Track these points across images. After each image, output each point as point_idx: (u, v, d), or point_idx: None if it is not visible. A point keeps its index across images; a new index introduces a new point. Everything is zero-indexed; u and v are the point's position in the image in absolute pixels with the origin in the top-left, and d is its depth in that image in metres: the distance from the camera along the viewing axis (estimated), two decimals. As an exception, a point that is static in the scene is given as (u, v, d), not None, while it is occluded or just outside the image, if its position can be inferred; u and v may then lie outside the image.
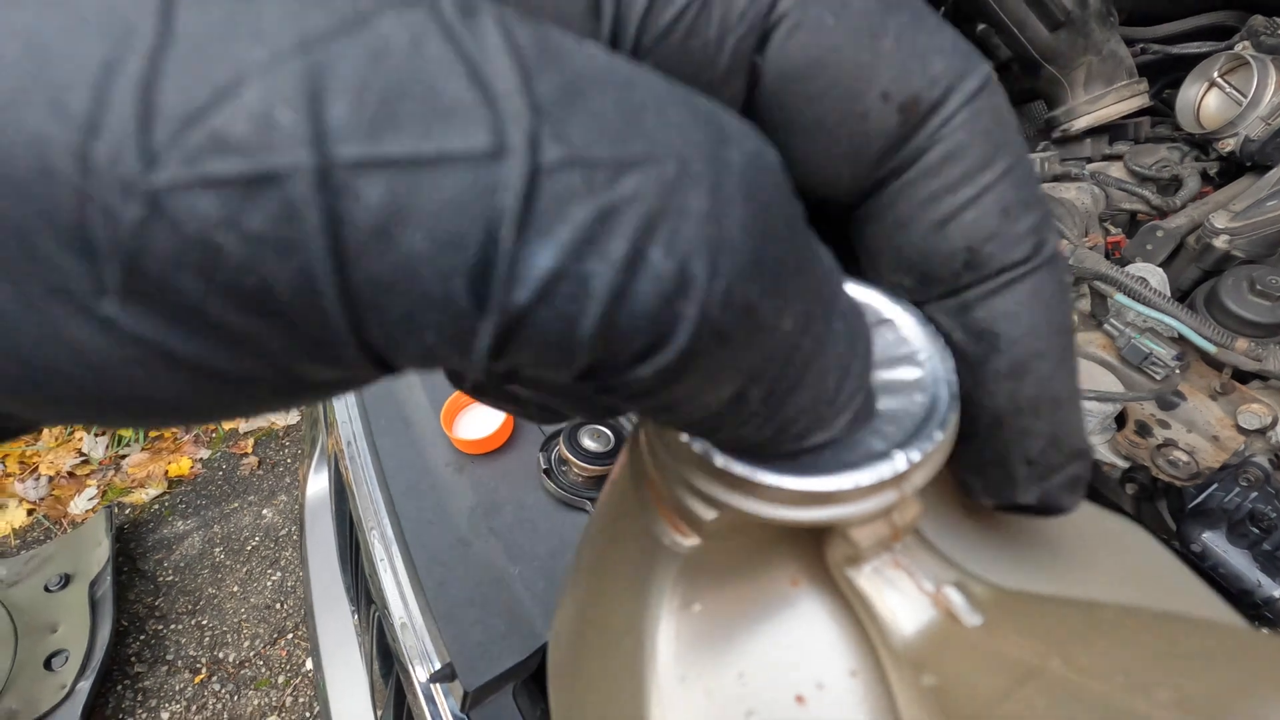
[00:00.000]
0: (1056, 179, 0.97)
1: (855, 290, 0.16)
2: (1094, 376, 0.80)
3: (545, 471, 0.59)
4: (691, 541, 0.15)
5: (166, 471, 2.04)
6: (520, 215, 0.08)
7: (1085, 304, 0.87)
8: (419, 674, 0.55)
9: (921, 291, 0.15)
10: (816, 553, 0.16)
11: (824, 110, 0.13)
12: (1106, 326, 0.82)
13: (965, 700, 0.12)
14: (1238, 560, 0.72)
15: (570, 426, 0.60)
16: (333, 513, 0.96)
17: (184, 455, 2.08)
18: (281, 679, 1.65)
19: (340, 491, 0.83)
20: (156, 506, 1.99)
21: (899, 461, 0.13)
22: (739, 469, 0.13)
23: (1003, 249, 0.14)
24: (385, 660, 0.73)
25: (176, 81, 0.08)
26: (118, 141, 0.08)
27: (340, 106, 0.08)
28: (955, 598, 0.14)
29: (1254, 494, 0.74)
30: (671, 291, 0.09)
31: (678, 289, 0.09)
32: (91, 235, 0.08)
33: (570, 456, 0.58)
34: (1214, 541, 0.73)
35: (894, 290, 0.16)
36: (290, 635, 1.73)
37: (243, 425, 2.17)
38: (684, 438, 0.13)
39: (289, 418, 2.20)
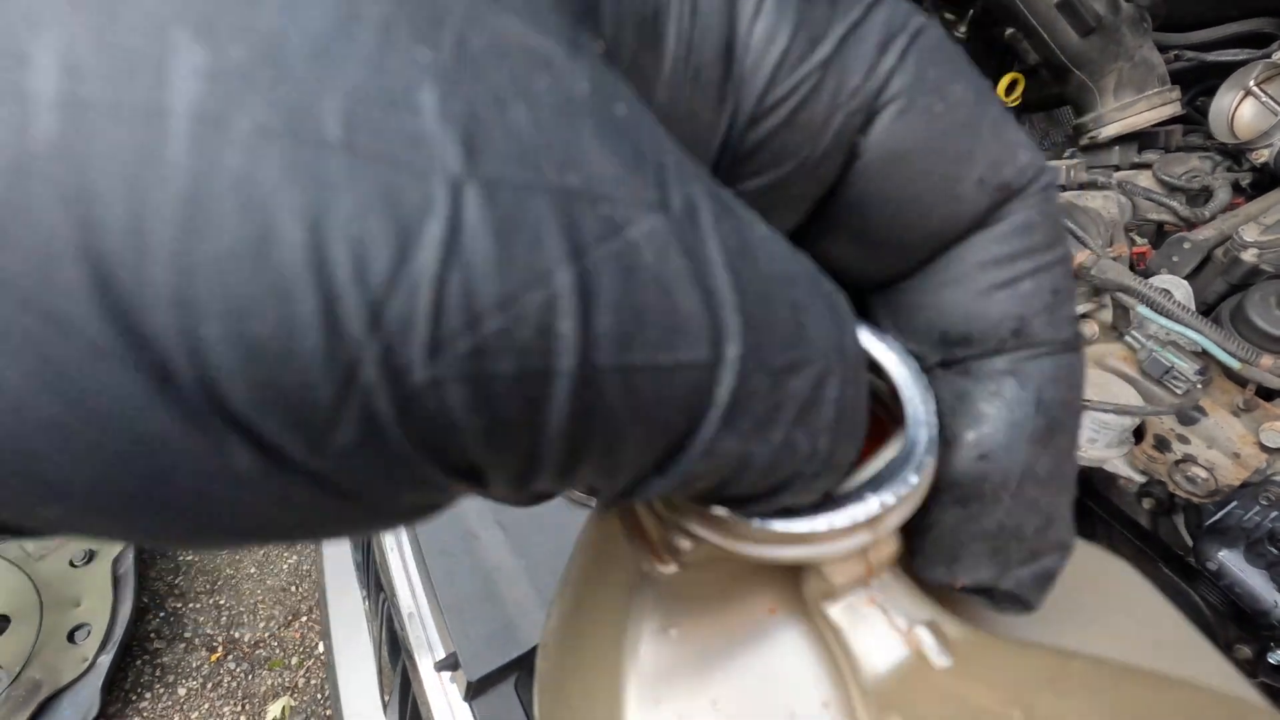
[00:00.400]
0: (1082, 187, 0.95)
1: (872, 345, 0.16)
2: (1113, 389, 0.79)
3: (554, 468, 0.60)
4: (670, 569, 0.15)
5: (189, 453, 2.09)
6: (725, 412, 0.10)
7: (1107, 315, 0.86)
8: (425, 663, 0.56)
9: (955, 352, 0.15)
10: (794, 583, 0.16)
11: (921, 189, 0.14)
12: (1128, 339, 0.81)
13: None
14: (1255, 580, 0.71)
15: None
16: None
17: (206, 438, 2.13)
18: (295, 660, 1.68)
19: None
20: (179, 487, 2.04)
21: (872, 505, 0.13)
22: (718, 510, 0.13)
23: (1052, 326, 0.15)
24: (393, 647, 0.75)
25: (466, 279, 0.08)
26: (403, 324, 0.08)
27: (605, 319, 0.09)
28: (926, 638, 0.14)
29: (1274, 513, 0.73)
30: (802, 464, 0.12)
31: (805, 461, 0.12)
32: (345, 397, 0.08)
33: (579, 454, 0.58)
34: (1231, 560, 0.72)
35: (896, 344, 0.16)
36: (304, 618, 1.76)
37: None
38: None
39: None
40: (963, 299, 0.15)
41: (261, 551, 1.89)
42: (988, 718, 0.12)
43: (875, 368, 0.16)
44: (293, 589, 1.82)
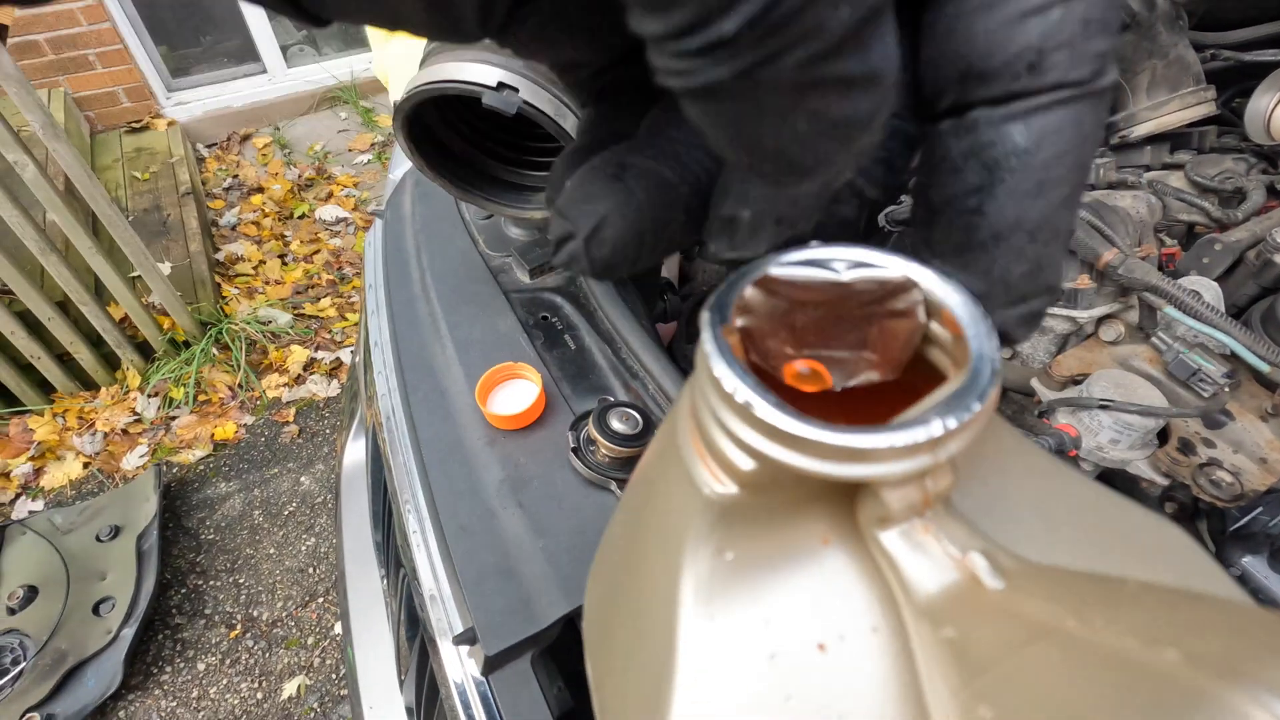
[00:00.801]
0: (1111, 186, 0.94)
1: (912, 270, 0.16)
2: (1137, 391, 0.78)
3: (574, 450, 0.60)
4: (729, 491, 0.15)
5: (213, 435, 2.13)
6: None
7: (1133, 316, 0.85)
8: (442, 638, 0.57)
9: (969, 93, 0.15)
10: (848, 513, 0.16)
11: None
12: (1154, 340, 0.80)
13: (979, 651, 0.13)
14: (1279, 586, 0.70)
15: (600, 408, 0.61)
16: (368, 480, 0.99)
17: (230, 420, 2.16)
18: (311, 640, 1.71)
19: (376, 460, 0.85)
20: (202, 467, 2.07)
21: (935, 427, 0.14)
22: (781, 421, 0.14)
23: (1070, 62, 0.14)
24: (411, 625, 0.76)
25: None
26: None
27: None
28: (980, 562, 0.15)
29: (1301, 520, 0.72)
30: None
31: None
32: None
33: (598, 437, 0.59)
34: (1254, 566, 0.71)
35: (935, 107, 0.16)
36: (320, 599, 1.79)
37: (285, 395, 2.24)
38: (730, 385, 0.14)
39: (329, 389, 2.27)
40: (992, 25, 0.14)
41: (280, 534, 1.92)
42: (1042, 627, 0.13)
43: (938, 309, 0.16)
44: (310, 571, 1.85)
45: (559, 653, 0.58)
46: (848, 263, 0.17)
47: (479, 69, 0.57)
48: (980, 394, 0.14)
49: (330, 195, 3.02)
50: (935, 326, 0.16)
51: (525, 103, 0.57)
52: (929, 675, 0.14)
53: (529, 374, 0.66)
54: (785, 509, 0.17)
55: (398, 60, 0.98)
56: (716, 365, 0.15)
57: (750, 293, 0.17)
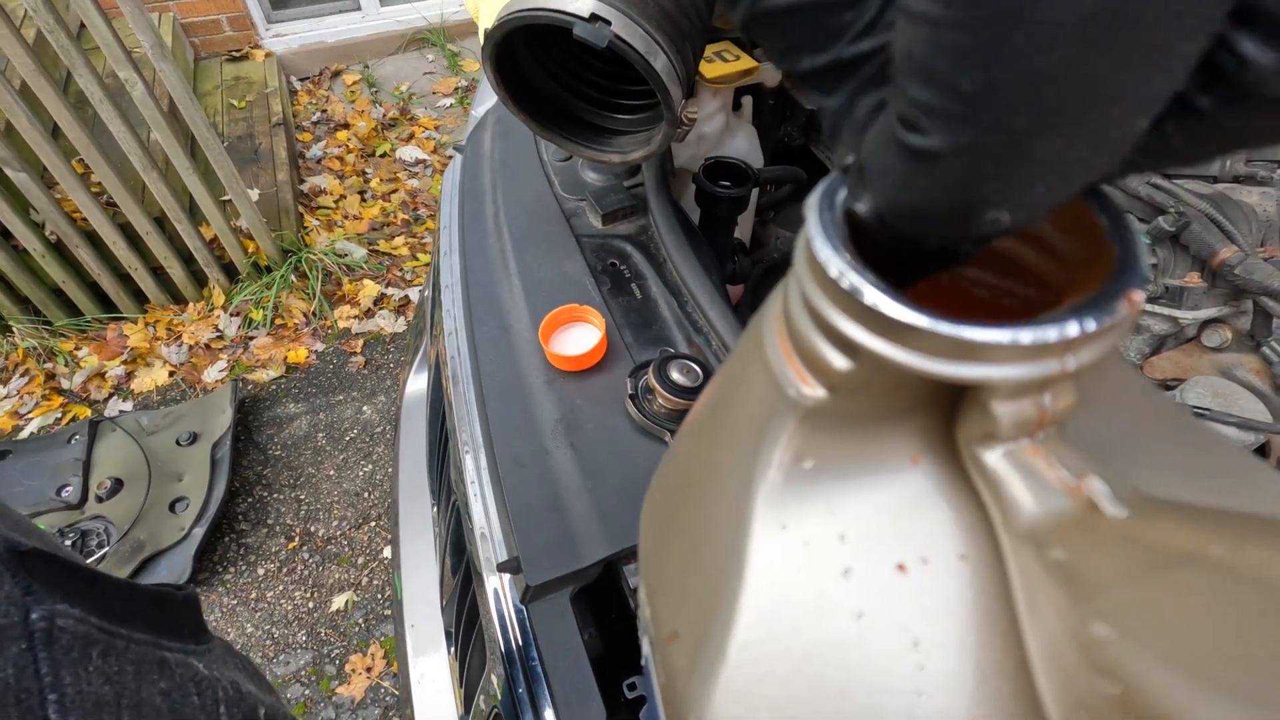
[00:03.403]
0: (1238, 180, 0.86)
1: None
2: (1238, 402, 0.72)
3: (631, 397, 0.60)
4: (817, 394, 0.14)
5: (286, 357, 2.23)
6: None
7: (1245, 322, 0.78)
8: (486, 566, 0.59)
9: None
10: (942, 432, 0.15)
11: None
12: (1265, 349, 0.74)
13: (1095, 573, 0.11)
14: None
15: (661, 358, 0.60)
16: (427, 413, 1.02)
17: (302, 345, 2.26)
18: (361, 560, 1.80)
19: (437, 392, 0.87)
20: (274, 387, 2.18)
21: (1070, 327, 0.12)
22: (890, 307, 0.12)
23: None
24: (457, 553, 0.78)
25: None
26: None
27: None
28: (1099, 487, 0.13)
29: None
30: None
31: None
32: None
33: (657, 386, 0.58)
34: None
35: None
36: (373, 524, 1.88)
37: (355, 327, 2.32)
38: (835, 269, 0.13)
39: (396, 325, 2.34)
40: None
41: (341, 457, 2.02)
42: (1181, 554, 0.11)
43: (1077, 212, 0.14)
44: (365, 495, 1.93)
45: (594, 597, 0.59)
46: None
47: (573, -1, 0.56)
48: (1126, 295, 0.12)
49: (412, 136, 3.07)
50: (1057, 237, 0.14)
51: (617, 37, 0.56)
52: (1030, 599, 0.12)
53: (593, 318, 0.66)
54: (873, 420, 0.15)
55: (490, -5, 0.97)
56: (821, 248, 0.14)
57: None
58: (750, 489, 0.15)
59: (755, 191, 0.99)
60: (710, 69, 0.90)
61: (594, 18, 0.56)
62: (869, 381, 0.13)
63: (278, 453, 2.03)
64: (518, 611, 0.55)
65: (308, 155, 2.92)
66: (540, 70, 0.70)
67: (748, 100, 1.00)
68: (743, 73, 0.92)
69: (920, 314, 0.12)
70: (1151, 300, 0.81)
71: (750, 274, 0.98)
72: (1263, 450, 0.73)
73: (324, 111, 3.17)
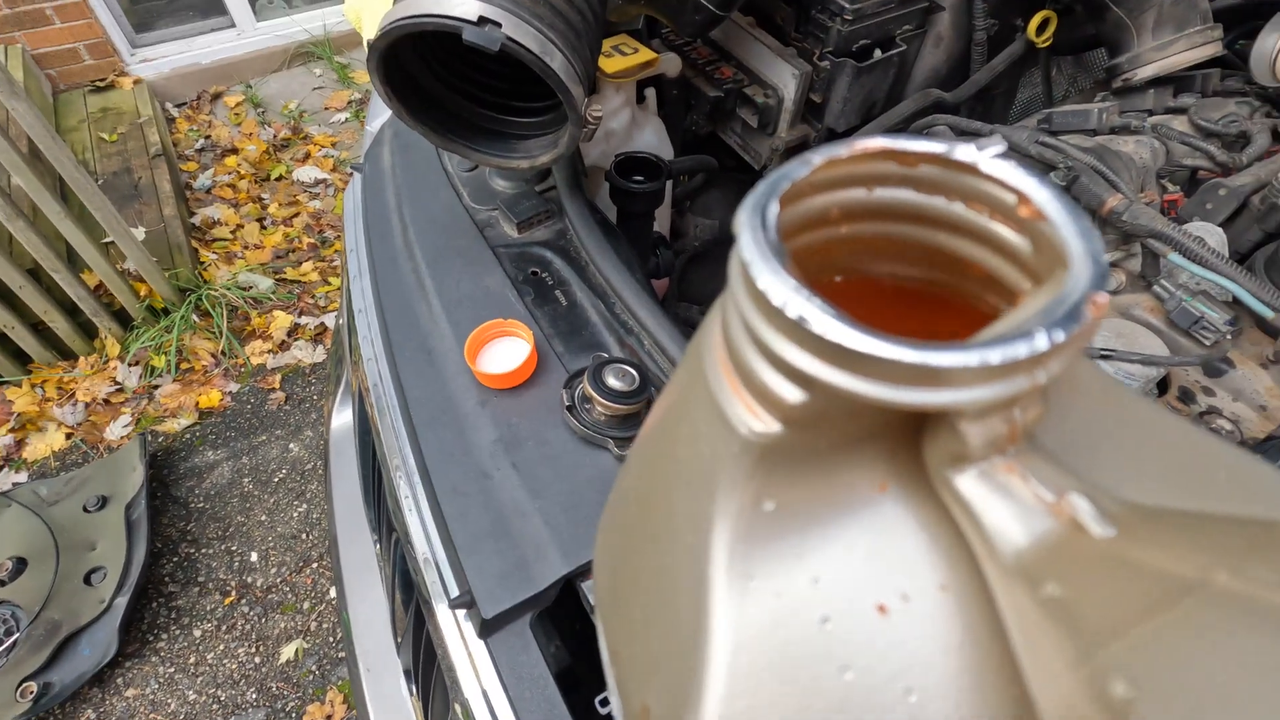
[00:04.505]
0: (1114, 131, 0.91)
1: (1007, 172, 0.14)
2: (1138, 340, 0.77)
3: (568, 408, 0.58)
4: (770, 429, 0.13)
5: (197, 403, 2.09)
6: None
7: (1135, 264, 0.83)
8: (438, 602, 0.56)
9: None
10: (909, 454, 0.14)
11: None
12: (1156, 288, 0.79)
13: (1100, 613, 0.11)
14: None
15: (595, 365, 0.59)
16: (356, 445, 0.97)
17: (214, 388, 2.13)
18: (306, 605, 1.71)
19: (364, 424, 0.83)
20: (188, 436, 2.04)
21: (1039, 340, 0.11)
22: (844, 335, 0.11)
23: None
24: (406, 589, 0.75)
25: None
26: None
27: None
28: (1082, 505, 0.12)
29: (1299, 466, 0.72)
30: None
31: None
32: None
33: (594, 394, 0.57)
34: (1251, 513, 0.71)
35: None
36: (315, 565, 1.79)
37: (270, 361, 2.20)
38: (779, 298, 0.11)
39: (315, 355, 2.23)
40: None
41: (271, 500, 1.91)
42: (1183, 583, 0.10)
43: (1010, 210, 0.14)
44: (303, 537, 1.84)
45: (556, 610, 0.57)
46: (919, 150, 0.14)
47: (459, 1, 0.53)
48: (1090, 299, 0.12)
49: (308, 156, 2.93)
50: (1005, 231, 0.14)
51: (509, 39, 0.53)
52: (1030, 645, 0.12)
53: (520, 331, 0.64)
54: (835, 450, 0.14)
55: (370, 1, 0.93)
56: (760, 273, 0.12)
57: (793, 193, 0.14)
58: (708, 540, 0.14)
59: (670, 183, 0.99)
60: (610, 64, 0.88)
61: (483, 20, 0.53)
62: (826, 411, 0.12)
63: (201, 505, 1.90)
64: (476, 647, 0.53)
65: (195, 186, 2.74)
66: (433, 78, 0.67)
67: (651, 92, 0.99)
68: (643, 65, 0.91)
69: (877, 340, 0.11)
70: (1052, 252, 0.85)
71: (674, 266, 0.98)
72: (1164, 384, 0.78)
73: (208, 138, 2.98)
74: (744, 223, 0.13)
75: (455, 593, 0.52)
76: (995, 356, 0.11)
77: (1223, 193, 0.81)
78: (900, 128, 1.05)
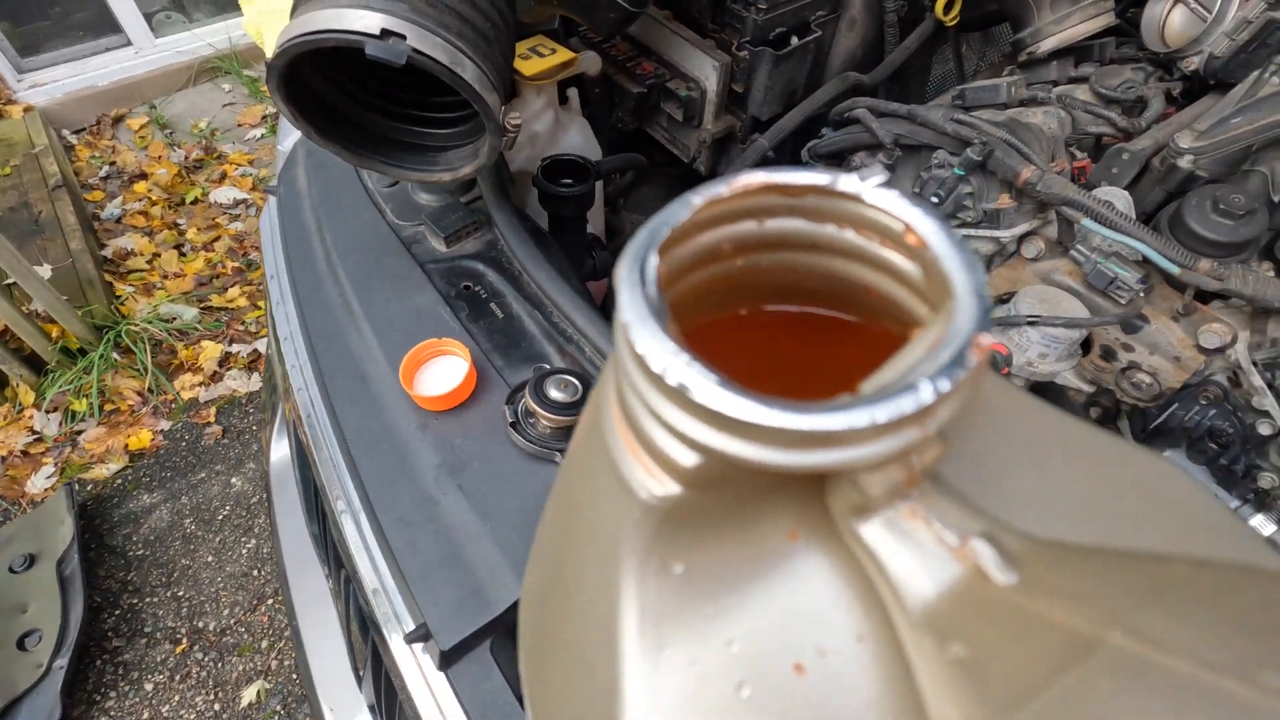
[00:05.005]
0: (1023, 103, 0.95)
1: (891, 201, 0.13)
2: (1061, 304, 0.80)
3: (512, 425, 0.57)
4: (670, 491, 0.12)
5: (126, 445, 1.98)
6: None
7: (1052, 231, 0.87)
8: (394, 636, 0.54)
9: None
10: (816, 501, 0.14)
11: None
12: (1073, 253, 0.82)
13: (1006, 677, 0.10)
14: (1198, 476, 0.74)
15: (536, 378, 0.58)
16: (296, 479, 0.93)
17: (143, 428, 2.02)
18: (265, 644, 1.65)
19: (302, 458, 0.80)
20: (119, 481, 1.94)
21: (925, 392, 0.11)
22: (725, 404, 0.11)
23: None
24: (362, 622, 0.73)
25: None
26: None
27: None
28: (984, 551, 0.12)
29: (1213, 411, 0.76)
30: None
31: None
32: None
33: (537, 408, 0.56)
34: (1175, 460, 0.75)
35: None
36: (270, 601, 1.72)
37: (202, 395, 2.10)
38: (659, 364, 0.11)
39: (250, 384, 2.14)
40: None
41: (217, 539, 1.83)
42: (1082, 642, 0.10)
43: (897, 237, 0.13)
44: (254, 574, 1.77)
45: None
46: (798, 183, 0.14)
47: (358, 15, 0.51)
48: (973, 343, 0.12)
49: (224, 176, 2.79)
50: (896, 257, 0.14)
51: (415, 50, 0.52)
52: (941, 704, 0.11)
53: (456, 349, 0.62)
54: (741, 505, 0.14)
55: (271, 15, 0.88)
56: (640, 338, 0.12)
57: (675, 235, 0.14)
58: (617, 609, 0.13)
59: (600, 183, 0.98)
60: (528, 66, 0.87)
61: (386, 33, 0.51)
62: (724, 472, 0.12)
63: (141, 552, 1.81)
64: (437, 679, 0.51)
65: (103, 216, 2.58)
66: (341, 94, 0.64)
67: (573, 92, 0.98)
68: (562, 65, 0.90)
69: (761, 407, 0.10)
70: (974, 225, 0.88)
71: (611, 267, 0.97)
72: (1087, 343, 0.82)
73: (112, 164, 2.81)
74: (622, 279, 0.13)
75: (410, 626, 0.51)
76: (882, 415, 0.10)
77: (1126, 157, 0.85)
78: (822, 112, 1.06)
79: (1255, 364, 0.72)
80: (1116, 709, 0.09)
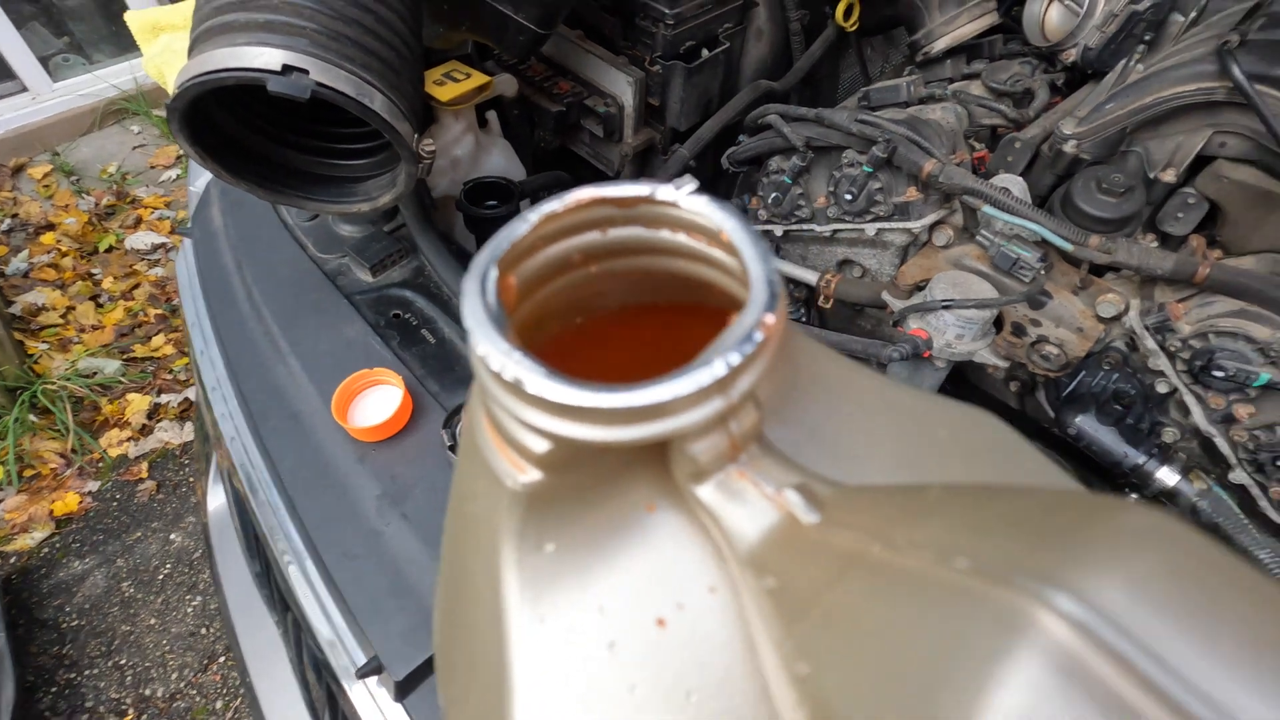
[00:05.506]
0: (923, 101, 1.00)
1: (701, 205, 0.15)
2: (972, 286, 0.85)
3: (450, 448, 0.57)
4: (532, 477, 0.14)
5: (51, 511, 1.87)
6: None
7: (959, 219, 0.92)
8: (347, 673, 0.54)
9: None
10: (667, 475, 0.15)
11: None
12: (979, 238, 0.87)
13: (796, 595, 0.12)
14: (1107, 437, 0.79)
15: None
16: (236, 526, 0.90)
17: (69, 491, 1.91)
18: (220, 704, 1.57)
19: (239, 503, 0.78)
20: (46, 550, 1.83)
21: (718, 367, 0.13)
22: (554, 392, 0.12)
23: None
24: (315, 666, 0.71)
25: None
26: None
27: None
28: (794, 499, 0.14)
29: (1115, 375, 0.82)
30: None
31: None
32: None
33: (474, 430, 0.56)
34: (1086, 423, 0.80)
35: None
36: (222, 659, 1.65)
37: (132, 450, 2.00)
38: (497, 364, 0.12)
39: (183, 434, 2.05)
40: None
41: (159, 600, 1.74)
42: (849, 557, 0.12)
43: (716, 237, 0.15)
44: (203, 631, 1.69)
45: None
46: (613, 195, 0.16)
47: (257, 51, 0.51)
48: (760, 322, 0.13)
49: (139, 221, 2.68)
50: (720, 254, 0.15)
51: (319, 84, 0.52)
52: (757, 631, 0.13)
53: (389, 378, 0.62)
54: (599, 483, 0.15)
55: (171, 55, 0.87)
56: (480, 342, 0.13)
57: (518, 249, 0.15)
58: (500, 591, 0.15)
59: (525, 203, 0.99)
60: (444, 92, 0.87)
61: (288, 69, 0.51)
62: (576, 455, 0.13)
63: (76, 623, 1.71)
64: (395, 713, 0.51)
65: (8, 271, 2.44)
66: (250, 131, 0.63)
67: (492, 115, 0.99)
68: (478, 89, 0.90)
69: (584, 392, 0.12)
70: (888, 219, 0.93)
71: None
72: (999, 322, 0.87)
73: (15, 216, 2.67)
74: (466, 291, 0.14)
75: (361, 661, 0.50)
76: (684, 388, 0.12)
77: (1018, 145, 0.91)
78: (738, 119, 1.10)
79: (1147, 328, 0.77)
80: (863, 601, 0.11)
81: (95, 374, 2.13)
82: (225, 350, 0.68)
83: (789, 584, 0.13)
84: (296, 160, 0.65)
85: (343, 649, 0.53)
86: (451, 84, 0.90)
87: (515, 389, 0.12)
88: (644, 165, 1.16)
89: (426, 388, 0.64)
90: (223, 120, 0.60)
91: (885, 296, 0.92)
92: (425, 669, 0.49)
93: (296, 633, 0.70)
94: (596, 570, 0.15)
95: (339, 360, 0.65)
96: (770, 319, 0.13)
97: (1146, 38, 0.88)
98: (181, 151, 2.96)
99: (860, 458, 0.16)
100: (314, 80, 0.51)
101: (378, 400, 0.61)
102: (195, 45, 0.53)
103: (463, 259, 0.74)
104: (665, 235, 0.16)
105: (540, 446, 0.13)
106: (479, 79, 0.90)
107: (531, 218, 0.16)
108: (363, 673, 0.49)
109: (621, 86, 1.02)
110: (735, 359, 0.13)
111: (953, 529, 0.11)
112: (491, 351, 0.13)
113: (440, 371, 0.65)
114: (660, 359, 0.15)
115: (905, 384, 0.19)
